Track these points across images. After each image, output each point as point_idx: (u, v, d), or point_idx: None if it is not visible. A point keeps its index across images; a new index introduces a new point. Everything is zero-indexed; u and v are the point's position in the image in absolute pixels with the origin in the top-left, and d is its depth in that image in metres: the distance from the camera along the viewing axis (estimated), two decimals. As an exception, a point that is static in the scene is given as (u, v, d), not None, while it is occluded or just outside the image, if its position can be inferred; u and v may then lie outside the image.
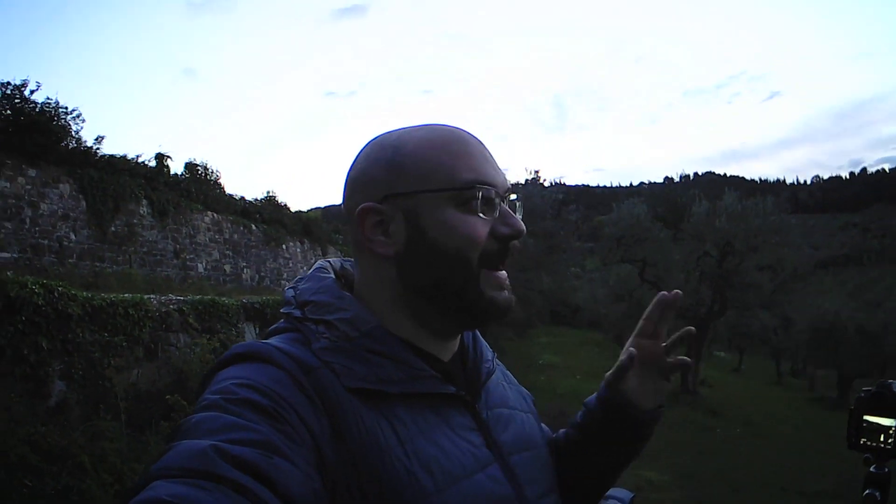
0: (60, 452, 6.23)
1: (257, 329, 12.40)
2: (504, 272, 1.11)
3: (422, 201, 1.06)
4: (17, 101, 12.34)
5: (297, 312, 1.08)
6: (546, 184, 26.55)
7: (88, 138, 14.61)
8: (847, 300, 37.61)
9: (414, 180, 1.06)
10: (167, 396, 7.63)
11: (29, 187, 12.25)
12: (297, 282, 1.16)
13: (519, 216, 1.14)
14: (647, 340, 1.29)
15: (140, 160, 16.56)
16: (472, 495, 0.99)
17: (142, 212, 15.62)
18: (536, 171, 24.44)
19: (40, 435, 6.14)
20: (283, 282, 21.30)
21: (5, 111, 12.22)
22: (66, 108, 13.36)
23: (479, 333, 1.29)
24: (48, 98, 13.10)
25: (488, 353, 1.27)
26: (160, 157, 17.79)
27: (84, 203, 13.65)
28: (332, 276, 1.17)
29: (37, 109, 12.53)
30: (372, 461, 0.92)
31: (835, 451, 12.22)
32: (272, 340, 1.03)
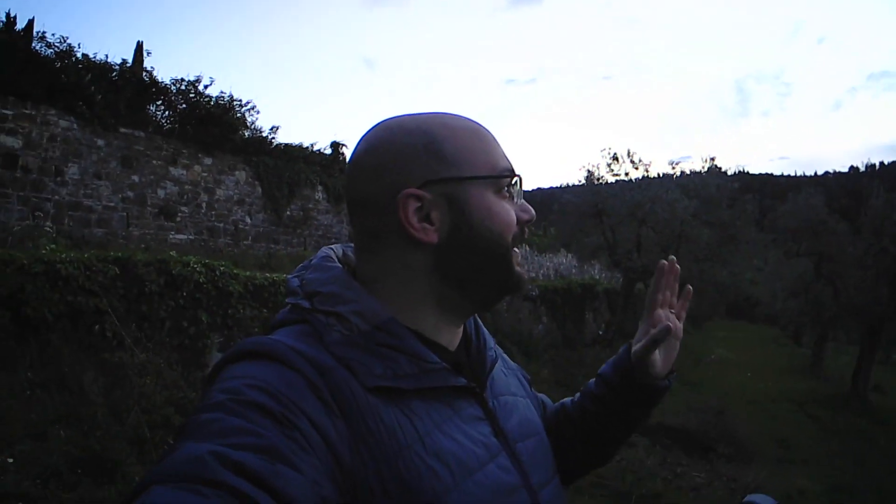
0: (205, 416, 6.67)
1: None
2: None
3: (467, 187, 1.05)
4: (191, 95, 13.38)
5: (306, 303, 1.03)
6: (729, 172, 25.48)
7: (264, 128, 15.57)
8: None
9: (457, 166, 1.05)
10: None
11: (205, 174, 13.25)
12: (301, 270, 1.12)
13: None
14: (664, 311, 1.34)
15: (315, 148, 17.46)
16: (486, 486, 0.99)
17: (317, 197, 16.43)
18: (712, 159, 23.40)
19: (189, 400, 6.60)
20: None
21: (181, 105, 13.27)
22: (241, 100, 14.42)
23: (480, 321, 1.27)
24: (221, 92, 14.16)
25: (490, 340, 1.26)
26: (335, 146, 18.56)
27: (259, 188, 14.55)
28: (339, 264, 1.12)
29: (211, 103, 13.53)
30: (393, 460, 0.91)
31: None
32: (282, 336, 0.99)
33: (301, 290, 1.06)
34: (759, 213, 23.43)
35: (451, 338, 1.13)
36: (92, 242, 10.25)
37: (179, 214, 12.48)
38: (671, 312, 1.35)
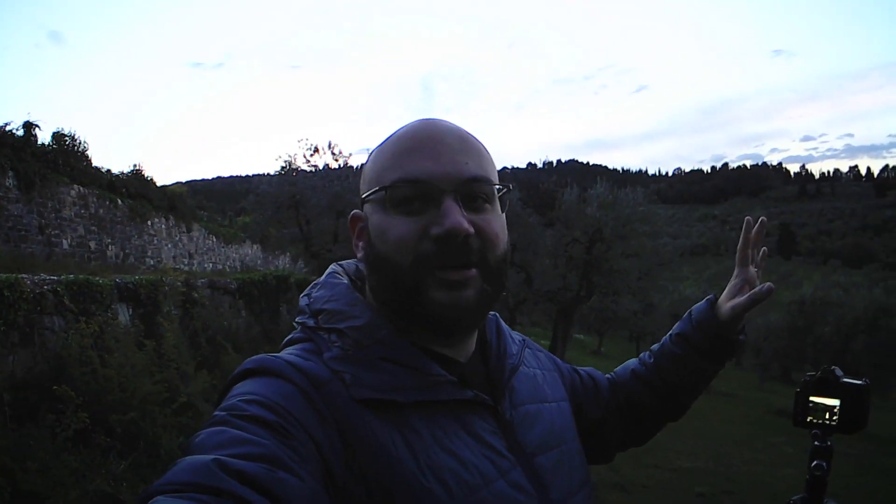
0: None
1: (131, 310, 11.72)
2: (466, 271, 1.02)
3: (368, 206, 1.08)
4: None
5: (311, 322, 1.07)
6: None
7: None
8: (705, 287, 39.73)
9: (365, 185, 1.09)
10: (54, 388, 7.11)
11: None
12: (311, 288, 1.15)
13: (503, 208, 1.13)
14: (750, 268, 1.44)
15: (7, 129, 15.58)
16: None
17: (7, 184, 14.69)
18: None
19: None
20: (146, 259, 20.62)
21: None
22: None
23: (502, 325, 1.28)
24: None
25: (513, 346, 1.23)
26: (28, 126, 16.65)
27: (-57, 174, 12.65)
28: (346, 280, 1.15)
29: None
30: (383, 476, 0.90)
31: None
32: (285, 353, 1.02)
33: (308, 309, 1.10)
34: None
35: (455, 350, 1.10)
36: None
37: None
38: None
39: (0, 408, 6.98)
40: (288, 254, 29.58)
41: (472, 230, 1.01)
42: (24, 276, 9.62)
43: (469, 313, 1.04)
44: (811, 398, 1.52)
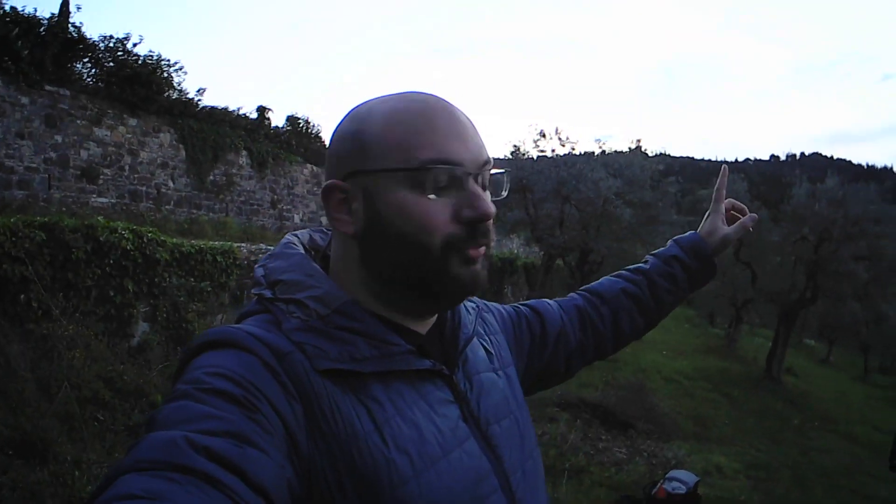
0: (135, 390, 6.56)
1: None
2: (481, 248, 1.05)
3: (379, 181, 1.02)
4: (119, 53, 12.94)
5: (268, 293, 1.04)
6: (650, 153, 25.93)
7: (191, 90, 15.28)
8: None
9: (373, 158, 1.02)
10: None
11: (129, 136, 12.84)
12: (266, 259, 1.12)
13: (504, 192, 1.16)
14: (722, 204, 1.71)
15: (241, 112, 17.13)
16: (449, 474, 0.98)
17: (241, 162, 16.14)
18: (638, 140, 23.69)
19: (117, 373, 6.48)
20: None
21: (108, 63, 12.83)
22: (169, 60, 14.00)
23: None
24: (150, 51, 13.88)
25: (467, 316, 1.23)
26: (262, 110, 18.25)
27: (183, 152, 14.24)
28: (302, 250, 1.13)
29: (139, 62, 13.10)
30: (347, 448, 0.92)
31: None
32: (245, 324, 1.00)
33: (265, 280, 1.07)
34: (681, 195, 24.04)
35: (418, 323, 1.11)
36: (12, 206, 9.86)
37: (102, 177, 12.06)
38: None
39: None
40: (519, 237, 29.76)
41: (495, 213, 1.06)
42: (240, 245, 10.66)
43: (481, 287, 1.07)
44: None
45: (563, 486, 7.64)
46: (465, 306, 1.25)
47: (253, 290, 1.08)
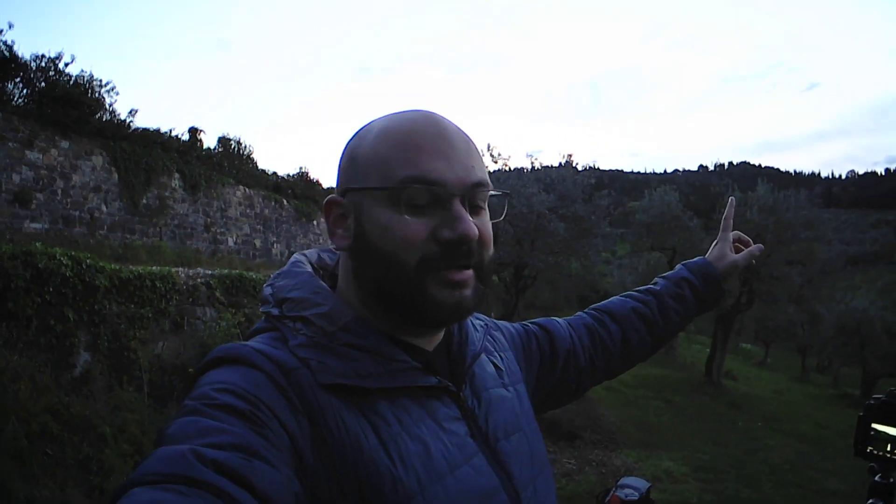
0: (82, 422, 6.35)
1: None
2: (466, 271, 1.04)
3: (365, 198, 1.04)
4: (51, 73, 12.59)
5: (275, 311, 1.06)
6: (580, 167, 26.33)
7: (122, 111, 14.98)
8: (876, 298, 37.25)
9: (361, 176, 1.05)
10: (189, 369, 7.71)
11: (61, 159, 12.44)
12: (274, 278, 1.14)
13: (502, 216, 1.17)
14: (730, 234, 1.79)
15: (173, 134, 16.76)
16: (457, 490, 0.97)
17: (174, 185, 15.76)
18: (569, 155, 24.05)
19: (63, 405, 6.25)
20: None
21: (39, 83, 12.45)
22: (101, 80, 13.70)
23: None
24: (82, 71, 13.46)
25: (475, 334, 1.24)
26: (193, 132, 17.93)
27: (116, 175, 13.84)
28: (309, 269, 1.15)
29: (71, 82, 12.79)
30: (353, 464, 0.92)
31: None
32: (253, 342, 1.01)
33: (272, 298, 1.09)
34: (612, 207, 24.50)
35: (431, 339, 1.12)
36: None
37: (34, 201, 11.67)
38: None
39: (140, 387, 7.62)
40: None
41: (477, 236, 1.03)
42: (178, 269, 10.43)
43: (467, 311, 1.06)
44: (873, 425, 1.42)
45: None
46: (472, 323, 1.26)
47: (261, 309, 1.11)
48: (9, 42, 12.02)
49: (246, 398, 0.87)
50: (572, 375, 1.52)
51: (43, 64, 12.50)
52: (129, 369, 8.04)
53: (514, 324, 1.51)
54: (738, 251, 1.77)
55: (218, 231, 17.29)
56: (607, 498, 6.85)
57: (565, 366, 1.50)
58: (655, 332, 1.64)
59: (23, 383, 5.96)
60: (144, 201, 14.68)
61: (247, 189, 18.78)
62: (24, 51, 13.70)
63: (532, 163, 25.23)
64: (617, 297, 1.72)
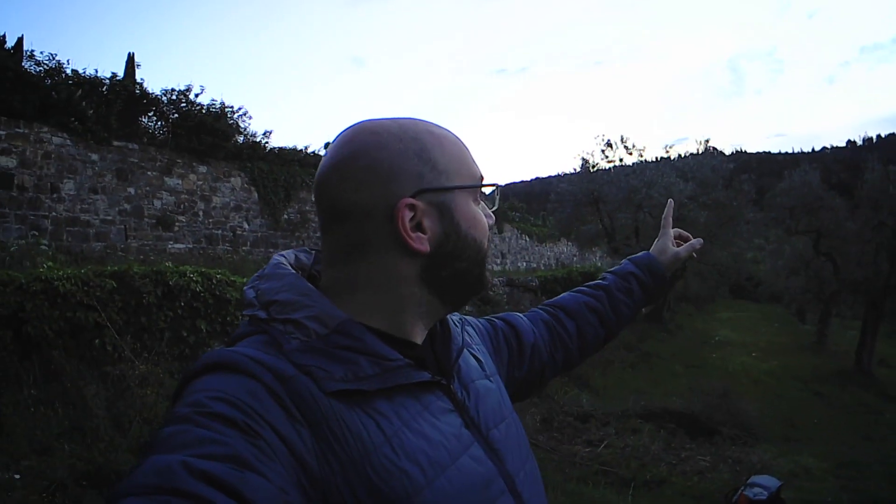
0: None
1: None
2: None
3: (455, 197, 1.07)
4: (183, 104, 13.51)
5: (262, 314, 1.03)
6: (726, 152, 25.54)
7: (258, 133, 15.72)
8: None
9: (447, 176, 1.07)
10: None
11: (200, 183, 13.39)
12: (255, 280, 1.11)
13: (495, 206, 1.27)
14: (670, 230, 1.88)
15: (310, 150, 17.57)
16: (460, 480, 0.99)
17: (313, 199, 16.41)
18: (706, 141, 23.43)
19: (188, 408, 6.70)
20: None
21: (173, 115, 13.39)
22: (232, 107, 14.53)
23: None
24: (213, 100, 14.35)
25: (455, 328, 1.27)
26: (328, 147, 18.59)
27: (255, 194, 14.67)
28: (292, 270, 1.12)
29: (203, 111, 13.67)
30: (361, 465, 0.91)
31: None
32: (242, 347, 0.98)
33: (257, 301, 1.05)
34: (757, 192, 23.45)
35: (418, 333, 1.13)
36: (91, 257, 10.36)
37: (177, 224, 12.62)
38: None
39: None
40: (601, 249, 29.54)
41: None
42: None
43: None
44: None
45: (629, 499, 7.56)
46: (451, 319, 1.29)
47: (245, 311, 1.07)
48: (139, 80, 13.06)
49: (240, 408, 0.85)
50: (536, 369, 1.55)
51: (174, 97, 13.44)
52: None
53: (479, 319, 1.54)
54: (678, 246, 1.87)
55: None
56: (735, 497, 6.65)
57: (531, 360, 1.54)
58: (607, 324, 1.71)
59: (150, 389, 6.45)
60: (285, 216, 15.47)
61: (383, 197, 19.29)
62: (155, 86, 14.66)
63: (667, 152, 24.79)
64: (567, 293, 1.79)
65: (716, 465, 9.91)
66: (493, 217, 1.17)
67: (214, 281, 8.58)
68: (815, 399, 16.63)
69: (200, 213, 13.22)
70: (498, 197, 1.20)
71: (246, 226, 14.26)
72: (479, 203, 1.11)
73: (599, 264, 28.26)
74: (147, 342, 7.41)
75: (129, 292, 7.50)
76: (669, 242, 1.83)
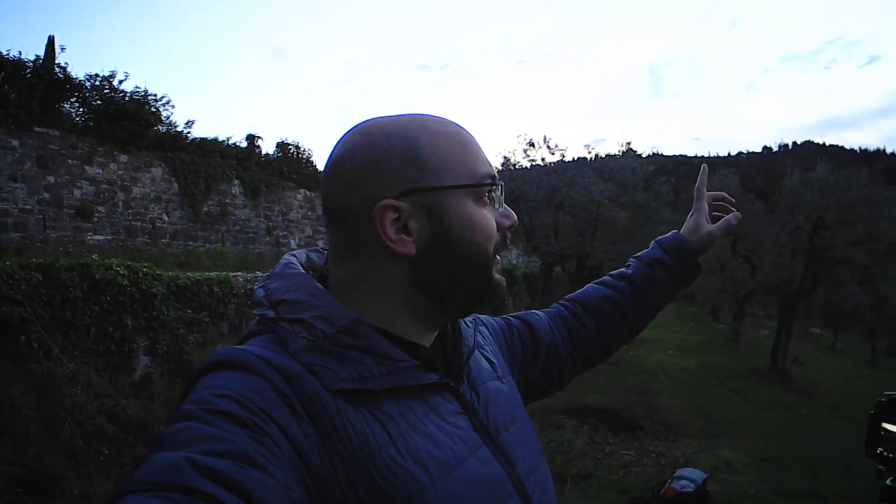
0: (139, 423, 6.64)
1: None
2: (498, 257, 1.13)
3: (446, 197, 1.04)
4: (106, 91, 13.05)
5: (271, 313, 1.03)
6: (643, 154, 26.09)
7: (179, 123, 15.37)
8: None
9: (436, 175, 1.04)
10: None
11: (121, 172, 12.98)
12: (266, 280, 1.11)
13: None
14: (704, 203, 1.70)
15: (231, 142, 17.24)
16: (467, 482, 0.98)
17: (234, 191, 16.23)
18: (628, 143, 23.89)
19: (120, 407, 6.55)
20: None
21: (96, 101, 12.94)
22: (156, 95, 14.12)
23: None
24: (137, 87, 13.94)
25: (467, 329, 1.26)
26: (251, 139, 18.30)
27: (176, 185, 14.34)
28: (301, 270, 1.11)
29: (126, 98, 13.22)
30: (365, 465, 0.91)
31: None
32: (250, 346, 0.98)
33: (266, 300, 1.05)
34: (674, 194, 24.15)
35: (426, 336, 1.12)
36: (9, 248, 9.96)
37: (96, 215, 12.19)
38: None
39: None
40: (518, 247, 29.79)
41: None
42: (236, 273, 10.77)
43: (504, 291, 1.14)
44: (884, 424, 1.31)
45: (565, 494, 7.69)
46: (463, 320, 1.27)
47: (255, 311, 1.07)
48: (62, 64, 12.53)
49: (246, 405, 0.85)
50: (554, 368, 1.52)
51: (97, 83, 12.98)
52: (187, 372, 8.30)
53: (496, 318, 1.51)
54: (715, 220, 1.70)
55: (280, 234, 17.71)
56: (663, 490, 6.83)
57: (547, 359, 1.50)
58: (631, 319, 1.62)
59: (79, 388, 6.26)
60: (205, 209, 15.17)
61: (307, 192, 19.13)
62: (79, 71, 14.19)
63: (589, 153, 25.20)
64: (591, 284, 1.69)
65: (640, 459, 10.23)
66: (513, 217, 1.13)
67: (141, 275, 8.43)
68: (732, 396, 17.29)
69: (120, 203, 12.81)
70: (501, 195, 1.11)
71: (165, 217, 13.91)
72: (487, 204, 1.07)
73: (515, 262, 28.47)
74: (73, 338, 7.20)
75: (55, 286, 7.25)
76: (703, 218, 1.67)
